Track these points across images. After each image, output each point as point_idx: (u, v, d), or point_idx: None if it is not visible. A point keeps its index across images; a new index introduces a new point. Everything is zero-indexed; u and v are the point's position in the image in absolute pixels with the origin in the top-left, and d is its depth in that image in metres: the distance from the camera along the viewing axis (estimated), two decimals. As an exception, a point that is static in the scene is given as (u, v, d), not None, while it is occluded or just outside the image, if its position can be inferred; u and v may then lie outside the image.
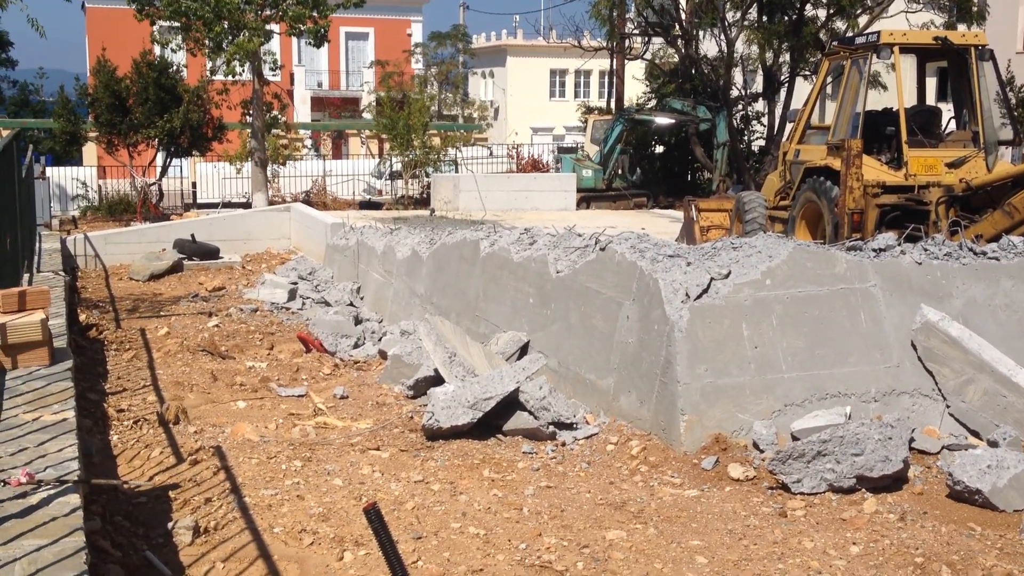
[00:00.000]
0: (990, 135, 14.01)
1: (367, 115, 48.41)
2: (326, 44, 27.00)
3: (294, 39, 32.13)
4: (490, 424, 7.97)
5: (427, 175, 30.36)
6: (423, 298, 12.18)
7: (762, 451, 7.24)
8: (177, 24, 25.93)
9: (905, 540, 5.88)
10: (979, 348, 7.65)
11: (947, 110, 15.40)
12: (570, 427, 8.07)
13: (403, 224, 17.52)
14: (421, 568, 5.55)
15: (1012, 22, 34.40)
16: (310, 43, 26.52)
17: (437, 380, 9.11)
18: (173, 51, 27.10)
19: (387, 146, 33.95)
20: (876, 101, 18.41)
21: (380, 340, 11.54)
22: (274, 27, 26.72)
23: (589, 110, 39.65)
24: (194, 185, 31.83)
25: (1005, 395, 7.47)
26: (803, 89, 26.61)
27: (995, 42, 27.06)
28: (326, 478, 6.91)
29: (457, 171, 31.76)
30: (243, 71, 25.43)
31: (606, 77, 43.89)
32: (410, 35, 58.73)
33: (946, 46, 14.30)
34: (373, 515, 4.21)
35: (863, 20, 27.84)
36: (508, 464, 7.30)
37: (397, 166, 31.92)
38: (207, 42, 25.34)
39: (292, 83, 54.23)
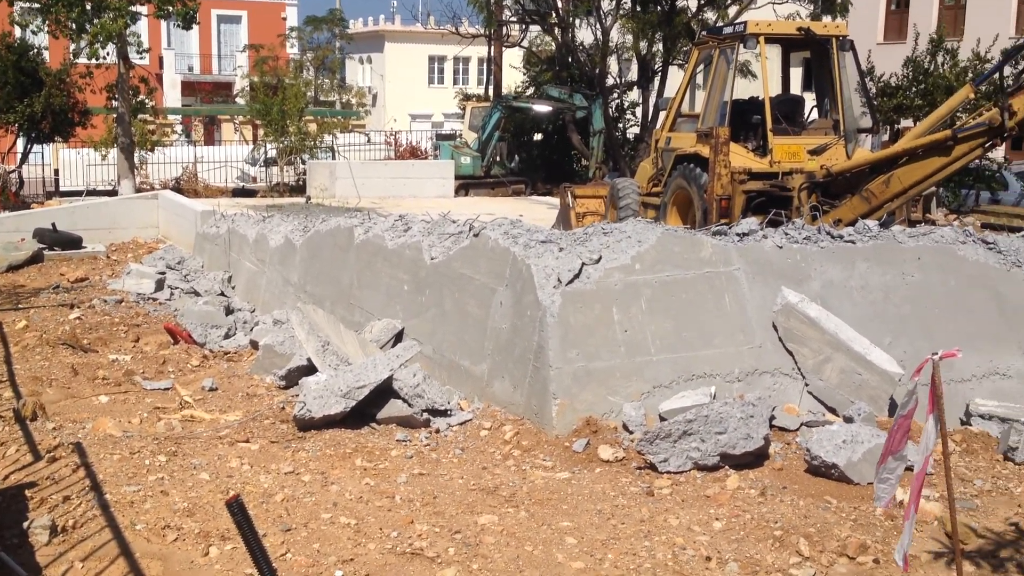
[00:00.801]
0: (850, 123, 14.55)
1: (240, 100, 47.33)
2: (196, 27, 26.25)
3: (163, 21, 31.05)
4: (364, 413, 7.91)
5: (303, 162, 29.84)
6: (297, 287, 12.00)
7: (631, 432, 7.38)
8: (37, 5, 24.83)
9: (765, 514, 6.08)
10: (836, 328, 7.95)
11: (811, 99, 15.93)
12: (444, 414, 8.07)
13: (277, 212, 17.20)
14: (290, 561, 5.47)
15: (874, 14, 35.73)
16: (178, 25, 25.73)
17: (310, 370, 9.00)
18: (34, 32, 25.93)
19: (261, 132, 33.22)
20: (745, 90, 18.92)
21: (252, 330, 11.33)
22: (141, 8, 25.81)
23: (467, 97, 39.58)
24: (56, 172, 30.54)
25: (860, 373, 7.79)
26: (676, 78, 27.12)
27: (857, 34, 28.07)
28: (192, 472, 6.75)
29: (334, 158, 31.33)
30: (107, 54, 24.49)
31: (484, 64, 43.94)
32: (285, 19, 57.56)
33: (809, 37, 14.77)
34: (236, 508, 4.13)
35: (733, 11, 28.52)
36: (381, 452, 7.26)
37: (272, 153, 31.29)
38: (69, 23, 24.33)
39: (161, 67, 52.54)
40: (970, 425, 7.73)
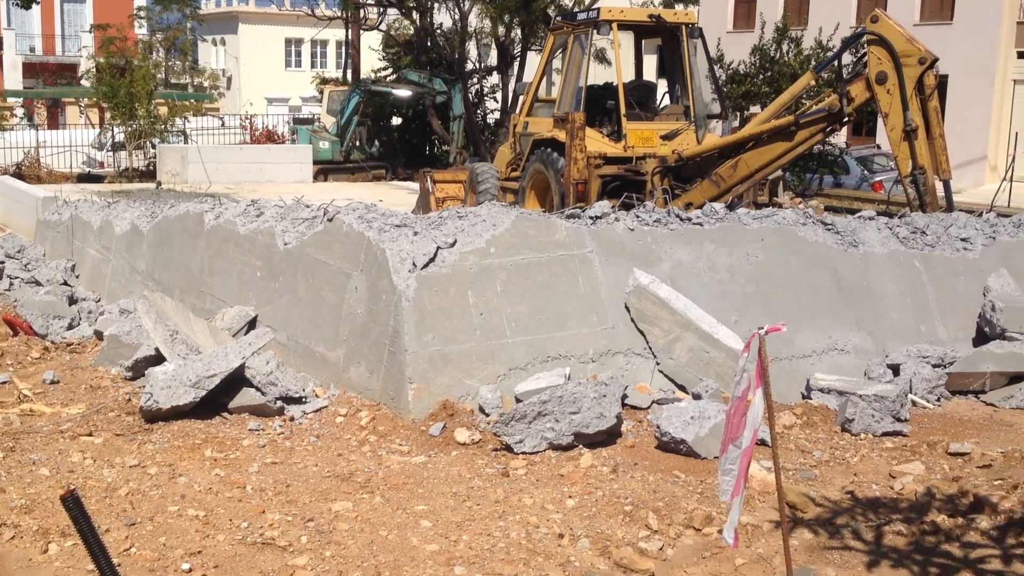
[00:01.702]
0: (700, 109, 14.96)
1: (86, 83, 45.42)
2: (37, 6, 25.05)
3: (2, 1, 29.53)
4: (215, 403, 7.71)
5: (153, 146, 28.88)
6: (145, 275, 11.60)
7: (488, 415, 7.43)
8: None
9: (616, 491, 6.22)
10: (685, 308, 8.18)
11: (665, 86, 16.30)
12: (299, 401, 7.94)
13: (124, 198, 16.58)
14: (134, 555, 5.30)
15: (723, 3, 36.77)
16: (17, 4, 24.52)
17: (159, 360, 8.71)
18: None
19: (108, 115, 31.97)
20: (600, 76, 19.20)
21: (97, 320, 10.89)
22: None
23: (325, 81, 39.01)
24: None
25: (708, 351, 8.03)
26: (535, 63, 27.36)
27: (708, 22, 28.85)
28: (31, 468, 6.46)
29: (186, 142, 30.41)
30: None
31: (343, 47, 43.32)
32: (132, -2, 55.45)
33: (660, 24, 15.10)
34: (71, 503, 3.97)
35: (589, -2, 28.92)
36: (232, 442, 7.10)
37: (120, 137, 30.16)
38: None
39: (0, 47, 50.01)
40: (810, 399, 8.06)
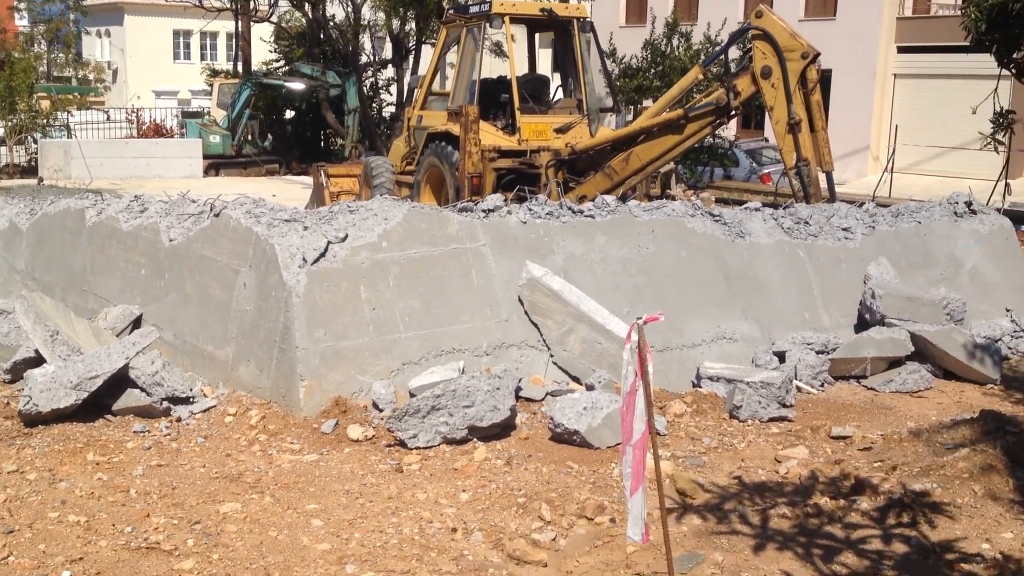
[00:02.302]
0: (593, 103, 15.09)
1: (-38, 75, 43.55)
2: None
3: None
4: (99, 405, 7.47)
5: (35, 141, 27.87)
6: (24, 274, 11.18)
7: (381, 410, 7.37)
8: None
9: (510, 483, 6.23)
10: (578, 300, 8.24)
11: (558, 80, 16.39)
12: (186, 401, 7.75)
13: (3, 194, 15.94)
14: (12, 564, 5.11)
15: (616, -2, 37.21)
16: None
17: (39, 361, 8.39)
18: None
19: (-13, 109, 30.72)
20: (494, 69, 19.23)
21: (-27, 322, 10.44)
22: None
23: (215, 73, 38.17)
24: None
25: (601, 342, 8.11)
26: (430, 57, 27.26)
27: (601, 17, 29.16)
28: (-101, 478, 6.17)
29: (69, 136, 29.42)
30: None
31: (233, 39, 42.45)
32: (12, -12, 53.43)
33: (552, 17, 15.17)
34: (-65, 513, 3.80)
35: (483, -9, 28.89)
36: (116, 445, 6.90)
37: (0, 132, 29.02)
38: None
39: None
40: (700, 387, 8.21)
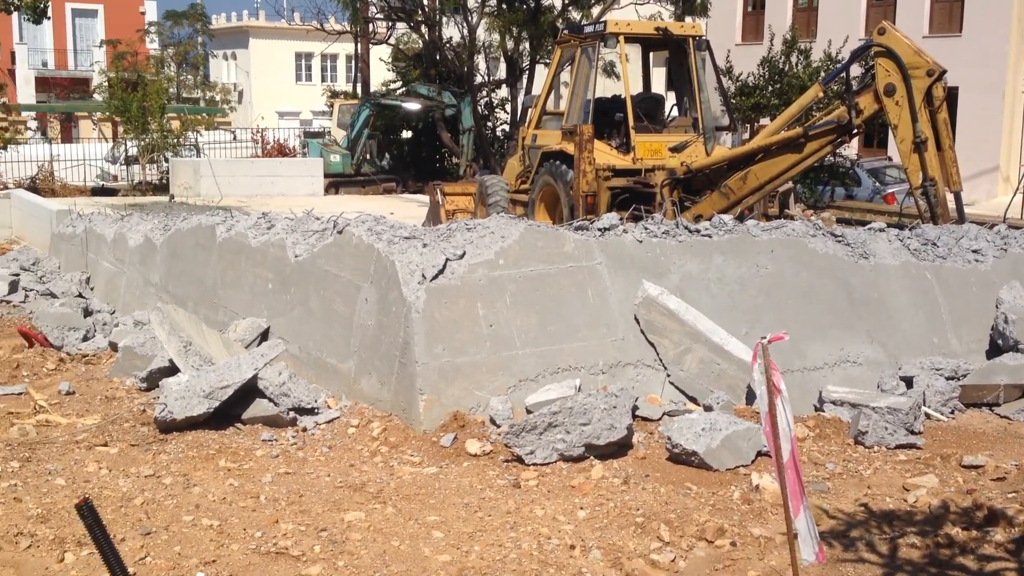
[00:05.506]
0: (708, 121, 15.00)
1: (98, 97, 45.69)
2: (49, 21, 25.27)
3: (13, 15, 29.70)
4: (228, 413, 7.76)
5: (166, 160, 29.02)
6: (158, 287, 11.67)
7: (499, 426, 7.45)
8: None
9: (628, 502, 6.23)
10: (695, 320, 8.19)
11: (673, 98, 16.33)
12: (311, 412, 7.98)
13: (137, 211, 16.66)
14: (149, 564, 5.34)
15: (732, 16, 36.83)
16: (28, 19, 24.68)
17: (172, 371, 8.76)
18: None
19: (121, 129, 32.15)
20: (609, 89, 19.26)
21: (112, 332, 10.95)
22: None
23: (335, 94, 39.13)
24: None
25: (719, 363, 8.04)
26: (543, 76, 27.47)
27: (716, 35, 28.91)
28: (47, 478, 6.51)
29: (198, 156, 30.56)
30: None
31: (352, 61, 43.50)
32: (143, 13, 55.83)
33: (667, 36, 15.15)
34: (85, 511, 4.01)
35: (597, 10, 28.99)
36: (246, 453, 7.14)
37: (133, 151, 30.32)
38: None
39: (13, 62, 50.42)
40: (823, 411, 8.05)
